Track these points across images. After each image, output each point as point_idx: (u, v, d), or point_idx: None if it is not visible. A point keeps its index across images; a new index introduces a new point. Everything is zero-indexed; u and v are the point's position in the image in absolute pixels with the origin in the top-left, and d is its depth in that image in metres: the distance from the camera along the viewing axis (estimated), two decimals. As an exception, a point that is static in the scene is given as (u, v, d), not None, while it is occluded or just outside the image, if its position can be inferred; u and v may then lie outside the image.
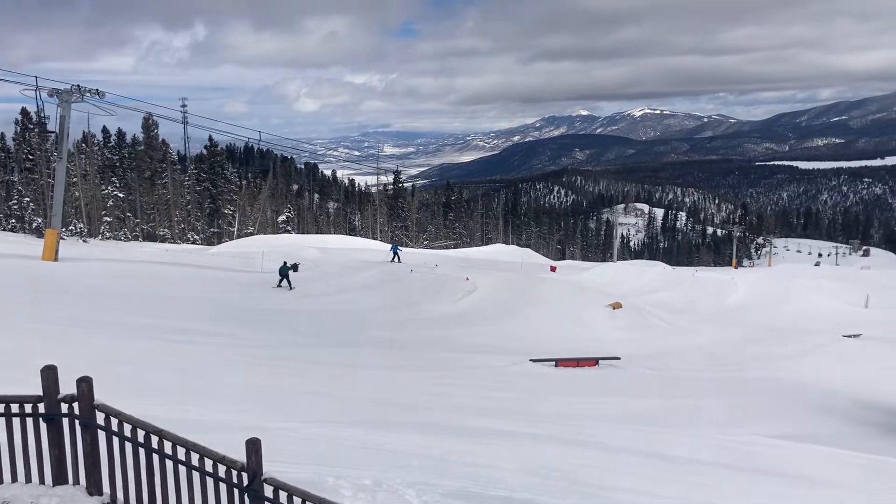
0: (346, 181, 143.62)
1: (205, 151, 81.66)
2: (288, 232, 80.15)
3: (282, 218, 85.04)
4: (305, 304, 28.66)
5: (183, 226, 74.87)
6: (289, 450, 7.64)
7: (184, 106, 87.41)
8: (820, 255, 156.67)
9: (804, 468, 11.83)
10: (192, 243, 70.87)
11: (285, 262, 33.99)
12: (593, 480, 9.00)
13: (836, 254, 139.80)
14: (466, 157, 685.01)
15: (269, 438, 5.73)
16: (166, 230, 72.28)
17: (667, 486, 9.60)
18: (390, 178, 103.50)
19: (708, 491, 9.67)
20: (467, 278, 33.65)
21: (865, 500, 10.59)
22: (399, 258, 46.00)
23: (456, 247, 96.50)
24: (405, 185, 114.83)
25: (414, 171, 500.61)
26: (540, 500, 7.41)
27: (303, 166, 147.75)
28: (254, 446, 4.43)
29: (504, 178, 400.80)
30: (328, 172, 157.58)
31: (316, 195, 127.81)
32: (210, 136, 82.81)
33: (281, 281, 32.23)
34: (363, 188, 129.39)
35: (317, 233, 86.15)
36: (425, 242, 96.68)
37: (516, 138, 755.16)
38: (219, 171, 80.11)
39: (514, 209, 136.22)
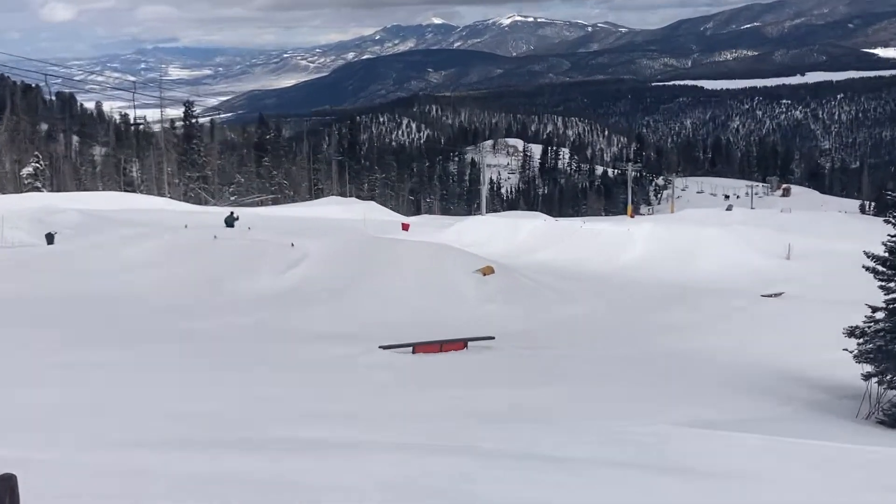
0: (118, 117, 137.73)
1: None
2: (38, 190, 76.07)
3: (27, 171, 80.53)
4: (72, 286, 27.42)
5: None
6: (60, 486, 7.33)
7: None
8: (727, 196, 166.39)
9: (725, 461, 12.60)
10: None
11: (232, 213, 46.11)
12: (464, 495, 9.22)
13: (751, 194, 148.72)
14: (284, 82, 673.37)
15: (32, 473, 5.45)
16: None
17: (556, 491, 9.98)
18: (180, 112, 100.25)
19: (609, 495, 10.14)
20: (293, 244, 33.34)
21: (806, 498, 11.23)
22: None
23: (275, 202, 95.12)
24: (201, 120, 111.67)
25: (213, 102, 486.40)
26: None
27: (54, 97, 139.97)
28: (7, 483, 4.22)
29: (336, 109, 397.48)
30: (90, 105, 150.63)
31: (75, 137, 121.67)
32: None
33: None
34: (142, 127, 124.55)
35: (78, 189, 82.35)
36: (233, 198, 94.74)
37: (351, 55, 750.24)
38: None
39: (351, 150, 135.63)
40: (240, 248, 33.40)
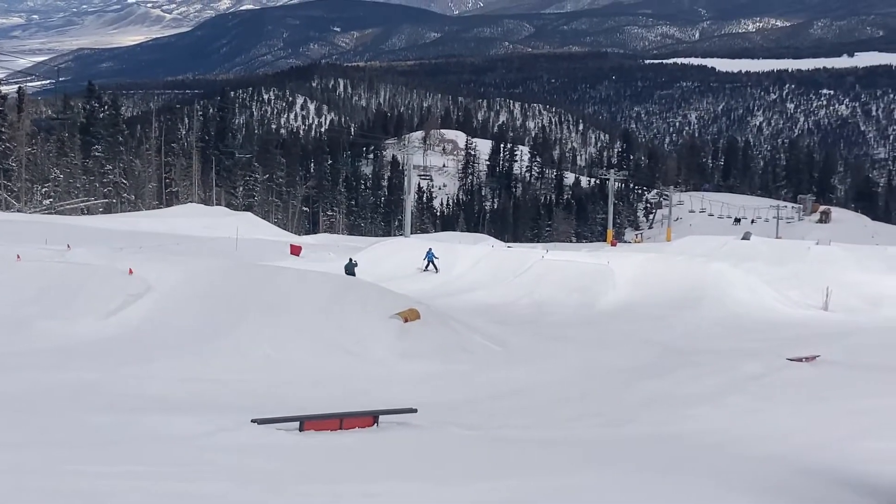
0: None
1: None
2: None
3: None
4: None
5: None
6: None
7: None
8: (737, 220, 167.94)
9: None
10: None
11: (351, 259, 50.24)
12: None
13: (777, 218, 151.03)
14: (127, 38, 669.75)
15: None
16: None
17: None
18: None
19: None
20: (130, 271, 32.96)
21: None
22: (436, 267, 56.89)
23: (108, 209, 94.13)
24: (4, 89, 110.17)
25: (23, 63, 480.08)
26: None
27: None
28: None
29: (202, 79, 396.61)
30: None
31: None
32: None
33: None
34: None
35: None
36: (48, 202, 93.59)
37: (225, 5, 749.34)
38: None
39: (221, 138, 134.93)
40: (53, 276, 32.70)
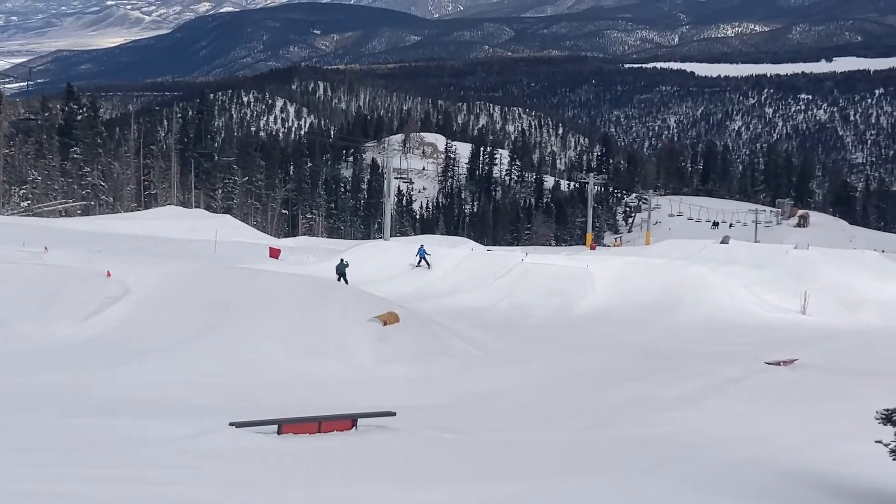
0: None
1: None
2: None
3: None
4: None
5: None
6: None
7: None
8: (715, 224, 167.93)
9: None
10: None
11: (342, 260, 50.14)
12: None
13: (756, 222, 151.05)
14: (107, 40, 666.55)
15: None
16: None
17: None
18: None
19: None
20: (109, 273, 32.77)
21: None
22: (428, 263, 58.19)
23: (86, 212, 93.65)
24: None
25: (2, 64, 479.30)
26: None
27: None
28: None
29: (182, 81, 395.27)
30: None
31: None
32: None
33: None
34: None
35: None
36: (26, 204, 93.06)
37: (204, 7, 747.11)
38: None
39: (200, 140, 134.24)
40: (30, 278, 32.42)
